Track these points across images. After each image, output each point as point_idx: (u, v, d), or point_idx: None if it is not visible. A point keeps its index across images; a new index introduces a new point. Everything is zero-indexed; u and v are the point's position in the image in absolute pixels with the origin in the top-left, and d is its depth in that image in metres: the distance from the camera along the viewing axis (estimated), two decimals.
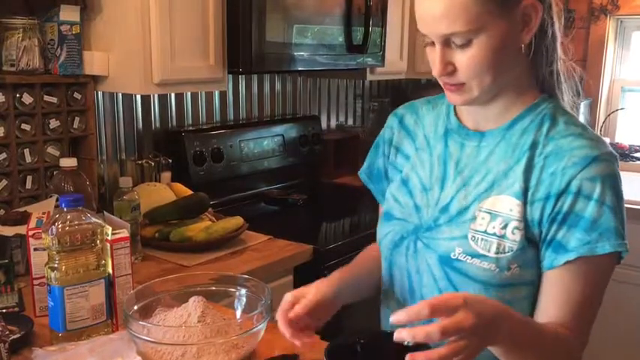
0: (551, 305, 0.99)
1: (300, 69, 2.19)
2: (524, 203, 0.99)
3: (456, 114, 1.12)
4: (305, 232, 2.09)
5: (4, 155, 1.69)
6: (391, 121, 1.24)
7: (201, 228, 1.82)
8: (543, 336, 0.94)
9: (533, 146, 1.01)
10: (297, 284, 1.87)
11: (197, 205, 1.94)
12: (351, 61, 2.29)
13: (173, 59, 1.78)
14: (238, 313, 1.21)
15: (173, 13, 1.77)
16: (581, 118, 2.92)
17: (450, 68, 0.98)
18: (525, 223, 0.99)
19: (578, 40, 3.09)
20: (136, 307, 1.14)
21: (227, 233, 1.83)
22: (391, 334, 1.00)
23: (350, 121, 3.08)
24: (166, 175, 2.13)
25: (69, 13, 1.73)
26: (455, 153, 1.09)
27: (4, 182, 1.70)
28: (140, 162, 2.11)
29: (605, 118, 3.17)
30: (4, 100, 1.66)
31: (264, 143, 2.48)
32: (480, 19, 0.92)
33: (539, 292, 1.01)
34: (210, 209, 1.99)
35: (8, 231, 1.50)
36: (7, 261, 1.40)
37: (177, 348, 1.03)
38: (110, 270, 1.22)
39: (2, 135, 1.68)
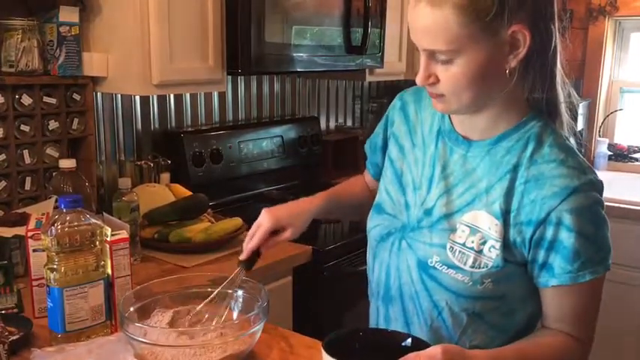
0: (553, 317, 1.04)
1: (299, 70, 2.19)
2: (504, 224, 1.01)
3: (449, 115, 1.12)
4: (304, 233, 2.08)
5: (3, 156, 1.69)
6: (396, 103, 1.25)
7: (200, 229, 1.82)
8: (537, 358, 1.00)
9: (516, 168, 1.01)
10: (296, 285, 1.87)
11: (196, 206, 1.95)
12: (350, 62, 2.30)
13: (172, 60, 1.79)
14: (235, 314, 1.21)
15: (172, 15, 1.77)
16: (580, 119, 2.92)
17: (432, 79, 0.99)
18: (504, 243, 1.01)
19: (576, 41, 3.09)
20: (132, 309, 1.14)
21: (226, 234, 1.84)
22: (391, 332, 1.02)
23: (349, 122, 3.08)
24: (165, 176, 2.13)
25: (68, 15, 1.74)
26: (443, 156, 1.10)
27: (4, 183, 1.70)
28: (139, 163, 2.11)
29: (604, 119, 3.17)
30: (3, 101, 1.66)
31: (263, 144, 2.48)
32: (460, 41, 0.93)
33: (542, 304, 1.05)
34: (209, 210, 1.99)
35: (7, 232, 1.50)
36: (6, 262, 1.40)
37: (174, 350, 1.03)
38: (109, 271, 1.22)
39: (1, 136, 1.68)
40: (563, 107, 1.05)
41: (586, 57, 3.10)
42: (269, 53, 1.99)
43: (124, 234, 1.26)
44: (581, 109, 2.93)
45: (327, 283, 1.93)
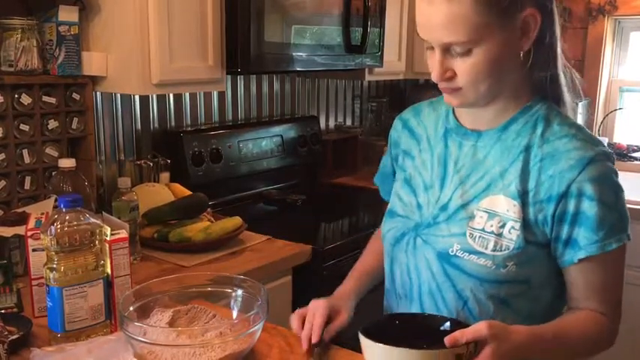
0: (581, 296, 1.05)
1: (298, 69, 2.19)
2: (523, 204, 1.02)
3: (454, 114, 1.14)
4: (304, 232, 2.09)
5: (2, 156, 1.69)
6: (397, 125, 1.27)
7: (200, 228, 1.82)
8: (566, 336, 1.01)
9: (528, 149, 1.04)
10: (295, 284, 1.87)
11: (196, 205, 1.94)
12: (350, 61, 2.30)
13: (172, 60, 1.79)
14: (235, 313, 1.22)
15: (171, 14, 1.77)
16: (580, 119, 2.92)
17: (449, 74, 1.00)
18: (524, 223, 1.02)
19: (576, 40, 3.09)
20: (132, 308, 1.14)
21: (226, 234, 1.84)
22: (428, 316, 1.05)
23: (348, 122, 3.08)
24: (165, 176, 2.13)
25: (67, 14, 1.73)
26: (454, 152, 1.12)
27: (3, 183, 1.70)
28: (139, 162, 2.11)
29: (604, 118, 3.17)
30: (2, 100, 1.66)
31: (262, 144, 2.48)
32: (480, 30, 0.94)
33: (567, 285, 1.06)
34: (208, 210, 1.99)
35: (7, 232, 1.50)
36: (5, 262, 1.40)
37: (173, 349, 1.03)
38: (109, 270, 1.22)
39: (1, 136, 1.68)
40: (565, 90, 1.08)
41: (585, 56, 3.10)
42: (268, 53, 1.99)
43: (124, 233, 1.26)
44: (580, 109, 2.92)
45: (326, 283, 1.92)
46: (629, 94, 3.22)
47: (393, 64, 2.60)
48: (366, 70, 2.50)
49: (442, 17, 0.95)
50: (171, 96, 2.25)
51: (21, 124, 1.72)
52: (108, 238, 1.22)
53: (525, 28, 0.98)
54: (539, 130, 1.04)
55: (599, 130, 3.17)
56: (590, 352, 1.07)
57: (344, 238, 2.06)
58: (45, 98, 1.75)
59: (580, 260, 1.01)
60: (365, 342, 0.93)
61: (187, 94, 2.30)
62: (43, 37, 1.74)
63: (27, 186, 1.75)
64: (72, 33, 1.74)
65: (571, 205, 0.99)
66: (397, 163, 1.25)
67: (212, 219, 1.95)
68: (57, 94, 1.78)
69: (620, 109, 3.21)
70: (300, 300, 1.90)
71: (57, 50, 1.73)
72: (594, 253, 1.00)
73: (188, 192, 2.03)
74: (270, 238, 1.94)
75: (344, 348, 1.20)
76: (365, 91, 3.15)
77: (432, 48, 1.00)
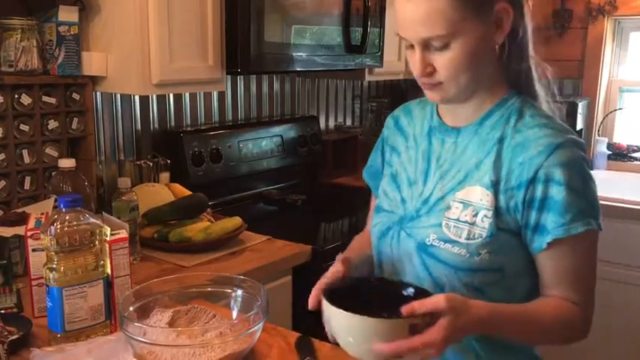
0: (551, 283, 1.06)
1: (298, 69, 2.18)
2: (495, 193, 1.06)
3: (438, 113, 1.19)
4: (304, 232, 2.09)
5: (2, 156, 1.69)
6: (389, 122, 1.32)
7: (199, 228, 1.82)
8: (535, 317, 1.03)
9: (501, 140, 1.08)
10: (295, 285, 1.87)
11: (196, 205, 1.94)
12: (350, 61, 2.30)
13: (172, 60, 1.79)
14: (235, 313, 1.22)
15: (171, 14, 1.77)
16: (580, 119, 2.92)
17: (429, 69, 1.05)
18: (496, 211, 1.06)
19: (576, 40, 3.09)
20: (131, 308, 1.14)
21: (226, 234, 1.84)
22: (393, 281, 1.08)
23: (348, 122, 3.08)
24: (165, 176, 2.13)
25: (67, 14, 1.73)
26: (437, 149, 1.17)
27: (3, 183, 1.70)
28: (139, 162, 2.11)
29: (604, 119, 3.17)
30: (2, 100, 1.66)
31: (262, 144, 2.48)
32: (457, 24, 0.99)
33: (539, 272, 1.07)
34: (208, 210, 1.99)
35: (7, 232, 1.50)
36: (5, 262, 1.40)
37: (173, 349, 1.03)
38: (109, 270, 1.22)
39: (1, 136, 1.68)
40: (537, 85, 1.12)
41: (585, 56, 3.10)
42: (268, 53, 1.99)
43: (124, 233, 1.26)
44: (580, 109, 2.93)
45: None
46: (629, 94, 3.22)
47: (393, 64, 2.60)
48: (366, 70, 2.50)
49: (421, 13, 0.99)
50: (171, 96, 2.25)
51: (21, 125, 1.72)
52: (108, 238, 1.22)
53: (499, 22, 1.02)
54: (512, 122, 1.08)
55: (598, 130, 3.17)
56: (564, 338, 1.08)
57: (344, 238, 2.06)
58: (45, 98, 1.76)
59: (549, 245, 1.03)
60: (325, 305, 0.96)
61: (187, 94, 2.30)
62: (43, 38, 1.74)
63: (27, 186, 1.75)
64: (72, 33, 1.74)
65: (539, 191, 1.02)
66: (385, 159, 1.30)
67: (212, 219, 1.95)
68: (57, 95, 1.78)
69: (619, 109, 3.21)
70: (300, 300, 1.91)
71: (57, 50, 1.73)
72: (560, 235, 1.01)
73: (188, 192, 2.03)
74: (270, 238, 1.93)
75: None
76: (365, 91, 3.15)
77: (412, 47, 1.05)
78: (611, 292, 2.45)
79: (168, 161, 2.15)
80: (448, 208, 1.09)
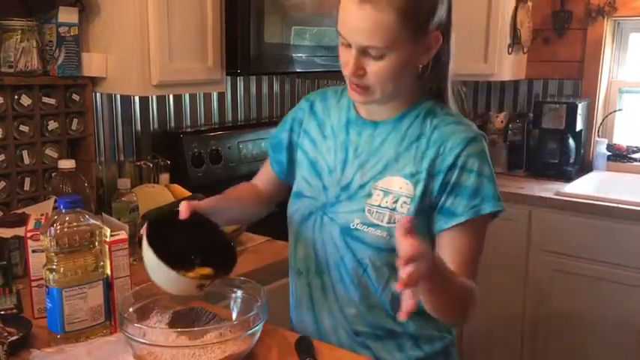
0: (449, 261, 1.13)
1: (298, 70, 2.19)
2: (415, 182, 1.16)
3: (354, 107, 1.28)
4: None
5: (2, 157, 1.69)
6: (303, 104, 1.38)
7: None
8: (463, 285, 1.12)
9: (420, 137, 1.19)
10: None
11: None
12: None
13: (171, 60, 1.79)
14: (234, 314, 1.22)
15: (171, 15, 1.77)
16: (579, 119, 2.93)
17: (360, 72, 1.13)
18: (415, 198, 1.16)
19: (575, 41, 3.09)
20: (131, 309, 1.14)
21: None
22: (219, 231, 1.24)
23: None
24: (165, 177, 2.13)
25: (67, 15, 1.74)
26: (354, 140, 1.26)
27: (3, 184, 1.70)
28: (138, 163, 2.11)
29: (603, 120, 3.17)
30: (2, 101, 1.66)
31: (262, 144, 2.48)
32: (396, 41, 1.08)
33: (441, 251, 1.16)
34: None
35: (6, 233, 1.50)
36: (5, 263, 1.40)
37: (173, 350, 1.03)
38: (109, 271, 1.22)
39: (1, 137, 1.68)
40: (450, 100, 1.24)
41: (585, 57, 3.10)
42: (268, 54, 1.99)
43: (123, 234, 1.26)
44: (580, 110, 2.93)
45: None
46: (628, 95, 3.22)
47: None
48: None
49: (369, 23, 1.08)
50: (170, 97, 2.25)
51: (21, 125, 1.72)
52: (107, 239, 1.22)
53: (428, 46, 1.13)
54: (428, 121, 1.20)
55: (598, 131, 3.17)
56: (466, 311, 1.14)
57: None
58: (45, 99, 1.76)
59: (456, 225, 1.13)
60: (144, 243, 1.07)
61: (187, 95, 2.30)
62: (43, 38, 1.74)
63: (27, 187, 1.75)
64: (72, 34, 1.74)
65: (454, 176, 1.14)
66: (293, 139, 1.36)
67: None
68: (57, 95, 1.78)
69: (619, 110, 3.21)
70: None
71: (57, 51, 1.73)
72: (470, 217, 1.13)
73: (188, 193, 2.03)
74: (270, 239, 1.94)
75: (343, 349, 1.21)
76: None
77: (347, 45, 1.14)
78: (610, 293, 2.45)
79: (168, 162, 2.15)
80: (369, 195, 1.19)
